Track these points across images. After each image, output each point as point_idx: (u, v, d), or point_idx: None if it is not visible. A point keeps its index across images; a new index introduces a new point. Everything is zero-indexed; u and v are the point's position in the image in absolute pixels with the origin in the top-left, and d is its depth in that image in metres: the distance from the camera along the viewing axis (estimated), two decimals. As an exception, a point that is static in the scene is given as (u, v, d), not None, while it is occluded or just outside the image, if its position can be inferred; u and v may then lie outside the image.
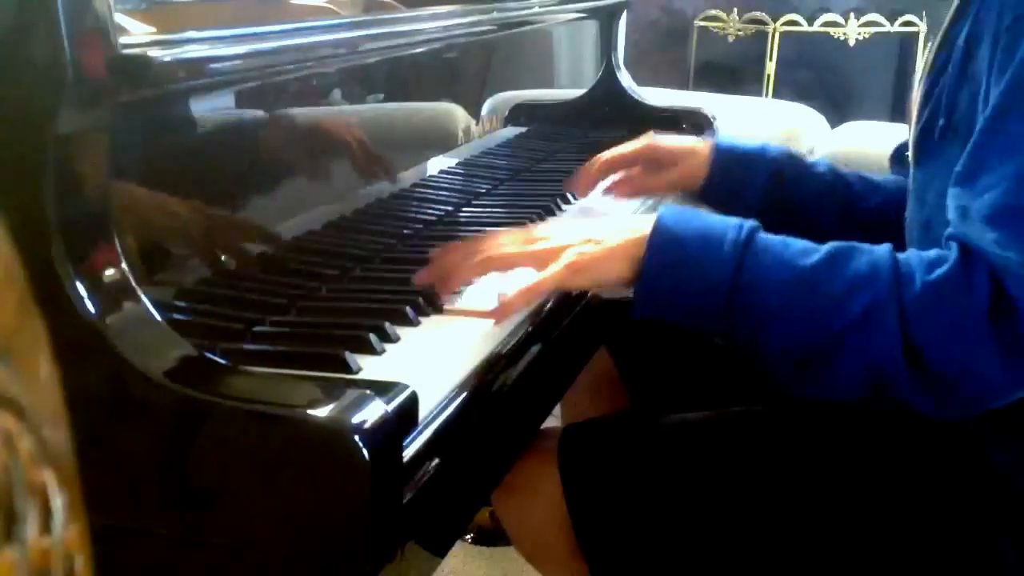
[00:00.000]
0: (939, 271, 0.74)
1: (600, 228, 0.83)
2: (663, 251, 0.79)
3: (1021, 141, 0.74)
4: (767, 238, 0.80)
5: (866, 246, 0.78)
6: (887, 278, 0.74)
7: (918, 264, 0.75)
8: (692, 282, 0.78)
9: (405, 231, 1.05)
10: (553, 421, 1.12)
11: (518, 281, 0.81)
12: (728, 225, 0.80)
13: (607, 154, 1.17)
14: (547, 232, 0.85)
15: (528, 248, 0.83)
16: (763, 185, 1.11)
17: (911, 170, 0.92)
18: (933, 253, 0.76)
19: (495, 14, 1.26)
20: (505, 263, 0.83)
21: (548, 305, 0.91)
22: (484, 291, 0.86)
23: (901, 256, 0.77)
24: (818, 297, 0.76)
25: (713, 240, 0.78)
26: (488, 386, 0.76)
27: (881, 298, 0.74)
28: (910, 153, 0.91)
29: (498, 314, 0.79)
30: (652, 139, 1.17)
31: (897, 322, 0.73)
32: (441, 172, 1.20)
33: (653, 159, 1.16)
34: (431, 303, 0.83)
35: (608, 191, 1.18)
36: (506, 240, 0.85)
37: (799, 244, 0.79)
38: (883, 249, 0.78)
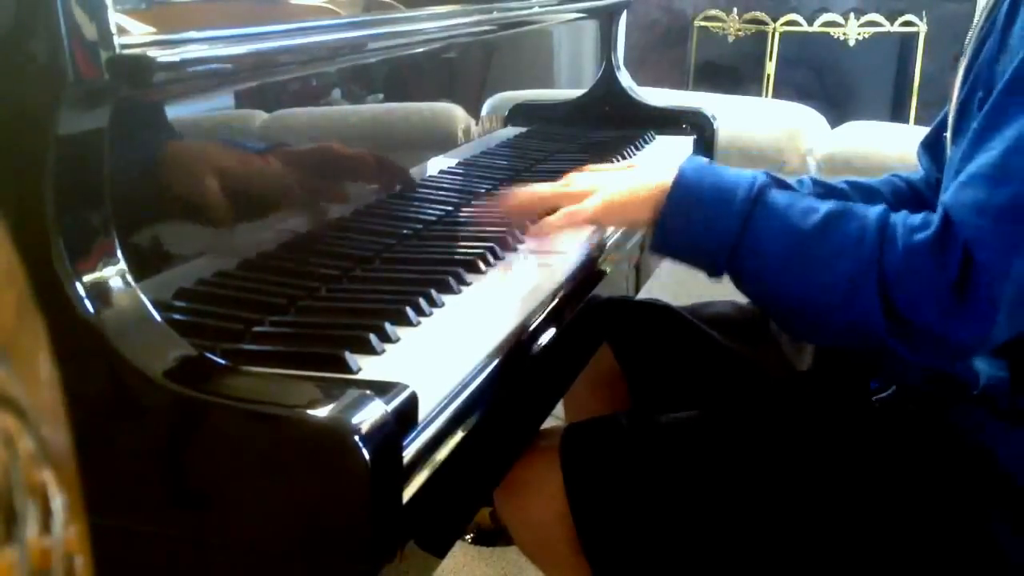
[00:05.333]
0: (919, 236, 0.78)
1: (630, 176, 0.95)
2: (680, 202, 0.88)
3: None
4: (775, 196, 0.85)
5: (860, 208, 0.83)
6: (872, 243, 0.79)
7: (903, 229, 0.79)
8: (702, 233, 0.86)
9: (405, 231, 1.04)
10: (554, 421, 1.12)
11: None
12: (741, 182, 0.86)
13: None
14: (585, 176, 0.99)
15: (568, 189, 0.96)
16: None
17: (948, 149, 0.92)
18: (919, 218, 0.80)
19: (495, 14, 1.26)
20: (548, 201, 0.96)
21: (548, 305, 0.91)
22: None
23: (891, 218, 0.81)
24: (810, 258, 0.82)
25: (725, 195, 0.85)
26: (488, 386, 0.76)
27: (863, 263, 0.79)
28: (948, 134, 0.92)
29: (540, 231, 0.93)
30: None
31: (876, 285, 0.78)
32: (441, 172, 1.20)
33: None
34: (422, 312, 0.81)
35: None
36: (543, 187, 0.99)
37: (803, 203, 0.85)
38: (874, 212, 0.81)
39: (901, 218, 0.81)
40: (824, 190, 1.13)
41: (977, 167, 0.77)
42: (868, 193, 1.12)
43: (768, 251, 0.83)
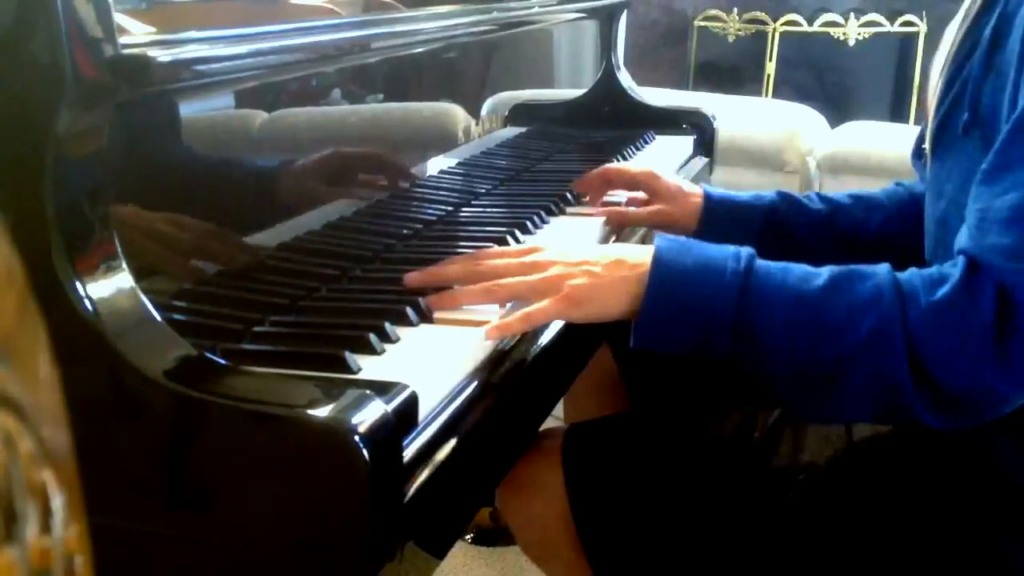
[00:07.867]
0: (942, 290, 0.74)
1: (599, 258, 0.83)
2: (664, 285, 0.80)
3: None
4: (767, 265, 0.80)
5: (867, 268, 0.78)
6: (891, 299, 0.74)
7: (920, 283, 0.75)
8: (695, 314, 0.79)
9: (405, 231, 1.04)
10: (553, 422, 1.12)
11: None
12: (727, 254, 0.81)
13: (615, 166, 1.26)
14: (548, 257, 0.85)
15: (528, 279, 0.83)
16: (758, 231, 1.12)
17: (927, 164, 0.91)
18: (935, 271, 0.76)
19: (495, 14, 1.26)
20: (506, 294, 0.83)
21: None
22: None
23: (902, 276, 0.77)
24: (824, 323, 0.76)
25: (713, 271, 0.79)
26: (488, 386, 0.76)
27: (886, 320, 0.74)
28: (927, 146, 0.91)
29: (495, 333, 0.79)
30: (654, 170, 1.21)
31: (903, 343, 0.73)
32: (441, 172, 1.20)
33: (649, 190, 1.19)
34: (422, 313, 0.81)
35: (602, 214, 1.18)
36: (505, 262, 0.85)
37: (798, 269, 0.80)
38: (883, 270, 0.78)
39: (915, 273, 0.77)
40: (828, 205, 1.13)
41: (997, 211, 0.74)
42: (870, 204, 1.12)
43: (773, 324, 0.77)
